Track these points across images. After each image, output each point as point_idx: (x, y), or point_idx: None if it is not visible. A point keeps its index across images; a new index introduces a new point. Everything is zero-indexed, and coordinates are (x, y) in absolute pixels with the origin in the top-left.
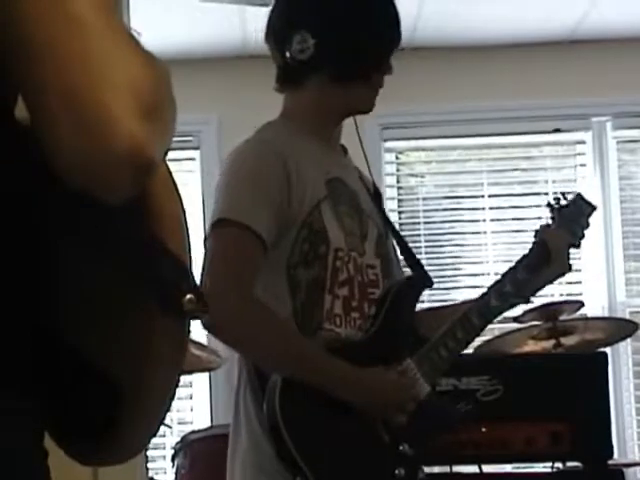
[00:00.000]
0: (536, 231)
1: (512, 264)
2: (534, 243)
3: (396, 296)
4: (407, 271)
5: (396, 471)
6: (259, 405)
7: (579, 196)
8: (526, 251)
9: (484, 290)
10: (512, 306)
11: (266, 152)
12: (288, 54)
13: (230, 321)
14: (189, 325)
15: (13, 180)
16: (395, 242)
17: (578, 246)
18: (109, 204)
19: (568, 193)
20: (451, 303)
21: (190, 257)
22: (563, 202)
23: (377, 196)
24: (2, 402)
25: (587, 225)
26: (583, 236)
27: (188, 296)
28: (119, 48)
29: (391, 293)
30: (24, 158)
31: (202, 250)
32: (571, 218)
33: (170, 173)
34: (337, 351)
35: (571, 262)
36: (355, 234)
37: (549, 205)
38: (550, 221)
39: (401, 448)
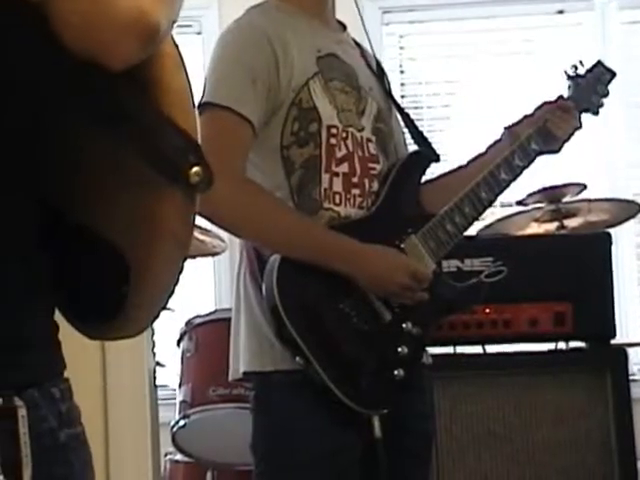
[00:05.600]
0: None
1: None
2: (539, 118)
3: (400, 171)
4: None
5: (399, 349)
6: (258, 288)
7: (599, 63)
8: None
9: (492, 162)
10: (517, 177)
11: (253, 33)
12: None
13: (223, 203)
14: (196, 197)
15: (19, 51)
16: (399, 118)
17: (596, 113)
18: (114, 70)
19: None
20: (458, 167)
21: (197, 130)
22: (581, 70)
23: (380, 72)
24: (7, 265)
25: (607, 93)
26: (602, 104)
27: (195, 168)
28: None
29: (395, 168)
30: (33, 32)
31: None
32: (589, 87)
33: (177, 48)
34: (338, 229)
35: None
36: (351, 110)
37: (566, 73)
38: (567, 89)
39: (404, 326)
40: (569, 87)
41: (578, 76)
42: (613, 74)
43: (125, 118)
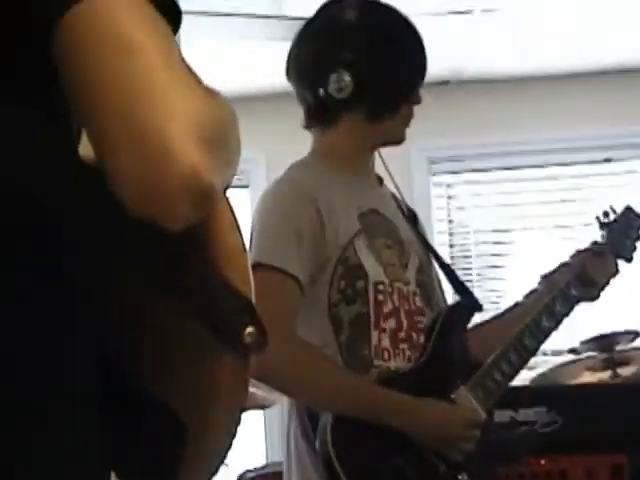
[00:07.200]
0: (584, 250)
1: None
2: (577, 265)
3: (445, 322)
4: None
5: None
6: (311, 445)
7: (628, 208)
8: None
9: (533, 309)
10: (559, 323)
11: (296, 191)
12: (322, 92)
13: (273, 365)
14: (250, 358)
15: (79, 215)
16: (439, 268)
17: (630, 260)
18: (172, 231)
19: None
20: (497, 314)
21: (252, 289)
22: (612, 216)
23: (413, 219)
24: (69, 432)
25: (639, 237)
26: (635, 249)
27: (249, 329)
28: (181, 81)
29: (440, 320)
30: (87, 189)
31: None
32: (621, 232)
33: (231, 206)
34: (387, 383)
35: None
36: (395, 264)
37: (598, 220)
38: (600, 237)
39: (459, 478)
40: (602, 233)
41: (610, 222)
42: None
43: (180, 278)
